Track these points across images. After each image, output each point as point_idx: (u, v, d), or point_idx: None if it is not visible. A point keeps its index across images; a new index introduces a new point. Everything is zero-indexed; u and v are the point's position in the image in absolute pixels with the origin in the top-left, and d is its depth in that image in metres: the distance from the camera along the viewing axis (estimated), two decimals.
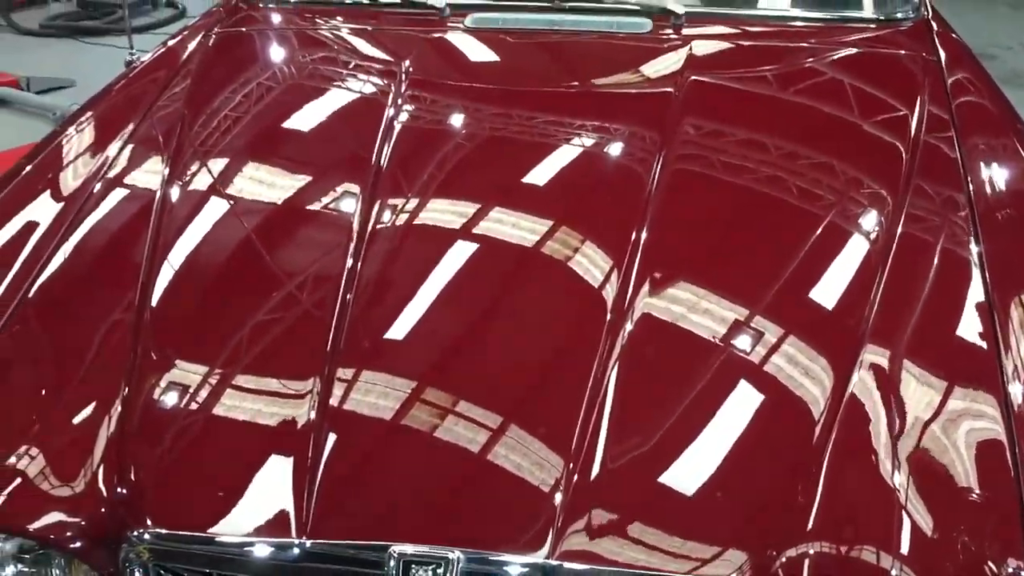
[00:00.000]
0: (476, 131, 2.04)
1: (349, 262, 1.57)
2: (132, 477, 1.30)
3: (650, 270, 1.55)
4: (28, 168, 1.97)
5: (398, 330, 1.48)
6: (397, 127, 1.95)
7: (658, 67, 2.27)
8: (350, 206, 1.72)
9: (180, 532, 1.26)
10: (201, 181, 1.86)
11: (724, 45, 2.37)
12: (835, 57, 2.34)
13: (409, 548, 1.19)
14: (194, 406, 1.39)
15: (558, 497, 1.24)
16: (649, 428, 1.34)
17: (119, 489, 1.29)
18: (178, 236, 1.69)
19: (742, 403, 1.38)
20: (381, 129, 1.92)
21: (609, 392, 1.36)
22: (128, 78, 2.38)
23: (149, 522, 1.25)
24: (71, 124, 2.14)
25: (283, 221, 1.76)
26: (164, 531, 1.25)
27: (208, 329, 1.52)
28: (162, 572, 1.27)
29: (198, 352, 1.48)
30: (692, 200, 1.78)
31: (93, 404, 1.40)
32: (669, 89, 2.09)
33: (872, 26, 2.45)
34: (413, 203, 1.74)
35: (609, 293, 1.52)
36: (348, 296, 1.51)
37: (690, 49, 2.24)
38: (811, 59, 2.33)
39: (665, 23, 2.37)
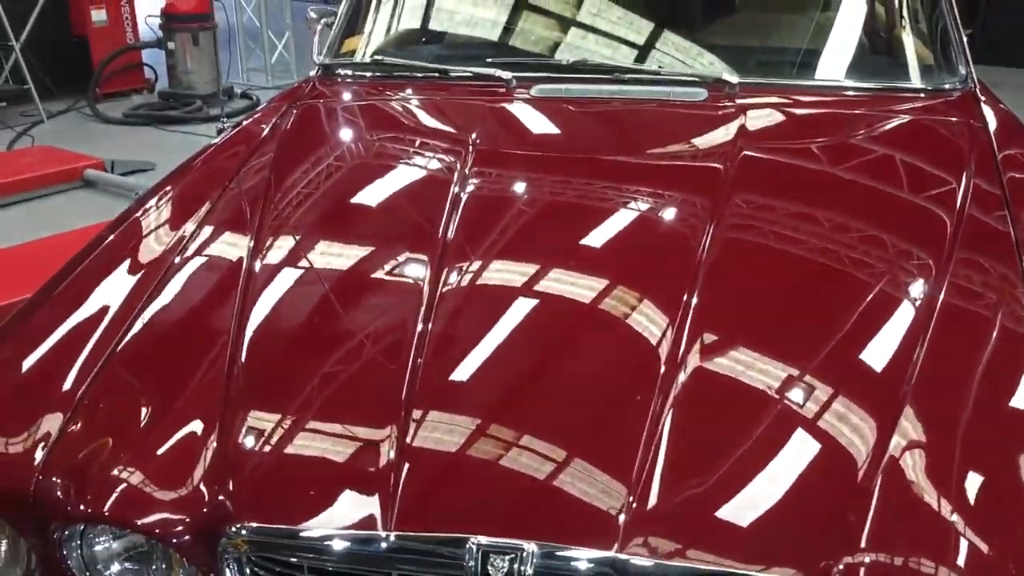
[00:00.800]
0: (538, 198, 2.15)
1: (420, 326, 1.67)
2: (231, 484, 1.41)
3: (700, 329, 1.63)
4: (111, 236, 2.08)
5: (467, 378, 1.57)
6: (464, 197, 2.06)
7: (712, 137, 2.37)
8: (420, 273, 1.82)
9: (274, 526, 1.36)
10: (284, 250, 1.96)
11: (775, 115, 2.49)
12: (883, 128, 2.44)
13: (487, 539, 1.28)
14: (285, 427, 1.50)
15: (623, 509, 1.32)
16: (702, 459, 1.41)
17: (219, 495, 1.40)
18: (265, 300, 1.80)
19: (786, 443, 1.45)
20: (449, 200, 2.04)
21: (665, 431, 1.43)
22: (212, 151, 2.51)
23: (246, 519, 1.36)
24: (154, 195, 2.26)
25: (361, 289, 1.86)
26: (259, 525, 1.36)
27: (293, 379, 1.62)
28: (255, 565, 1.37)
29: (285, 398, 1.57)
30: (739, 266, 1.86)
31: (194, 426, 1.51)
32: (720, 162, 2.18)
33: (921, 95, 2.55)
34: (477, 267, 1.84)
35: (663, 348, 1.60)
36: (419, 360, 1.59)
37: (743, 119, 2.35)
38: (860, 129, 2.42)
39: (719, 92, 2.50)
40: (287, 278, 1.88)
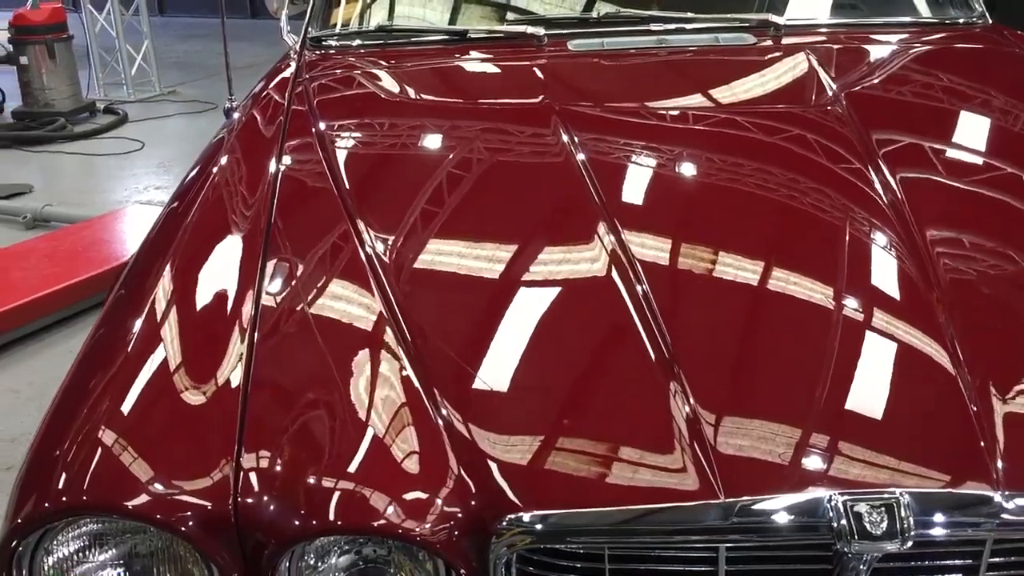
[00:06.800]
0: (672, 161, 1.91)
1: (639, 288, 1.45)
2: (496, 471, 1.18)
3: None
4: (179, 257, 1.66)
5: (721, 338, 1.39)
6: (592, 169, 1.78)
7: (800, 80, 2.23)
8: (606, 246, 1.56)
9: (573, 511, 1.13)
10: (419, 251, 1.63)
11: (840, 54, 2.39)
12: (948, 51, 2.43)
13: (845, 494, 1.10)
14: (537, 405, 1.30)
15: (976, 446, 1.17)
16: None
17: (485, 484, 1.17)
18: (417, 302, 1.49)
19: None
20: (581, 173, 1.77)
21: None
22: (224, 165, 2.00)
23: (530, 507, 1.12)
24: (177, 221, 1.79)
25: (549, 270, 1.56)
26: (550, 513, 1.12)
27: (517, 359, 1.38)
28: (535, 564, 1.15)
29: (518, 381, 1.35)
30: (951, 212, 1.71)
31: (403, 416, 1.27)
32: (835, 105, 2.04)
33: (953, 27, 2.57)
34: (662, 238, 1.60)
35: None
36: (659, 325, 1.38)
37: (812, 59, 2.24)
38: (935, 60, 2.39)
39: (764, 34, 2.41)
40: (437, 277, 1.59)
